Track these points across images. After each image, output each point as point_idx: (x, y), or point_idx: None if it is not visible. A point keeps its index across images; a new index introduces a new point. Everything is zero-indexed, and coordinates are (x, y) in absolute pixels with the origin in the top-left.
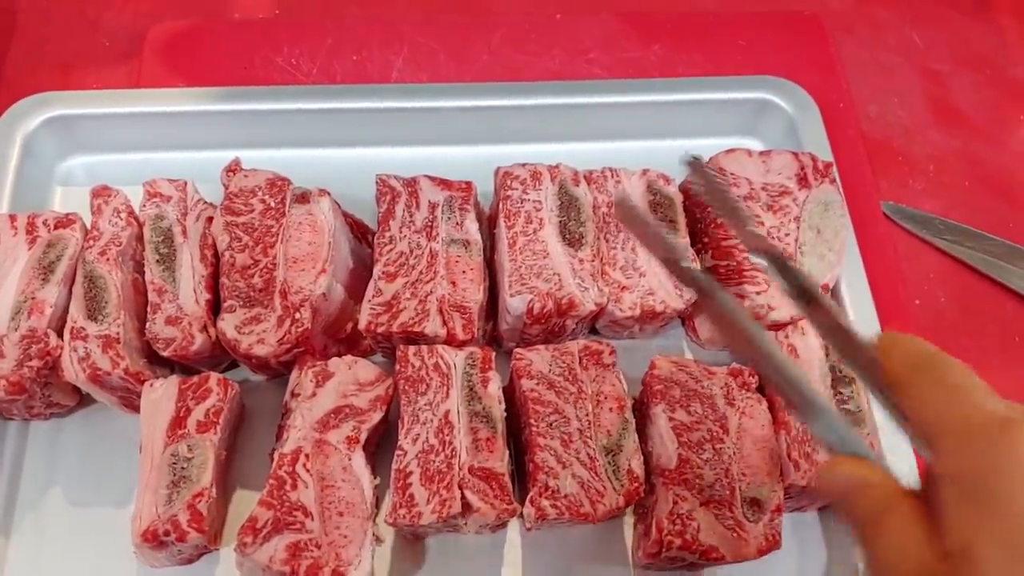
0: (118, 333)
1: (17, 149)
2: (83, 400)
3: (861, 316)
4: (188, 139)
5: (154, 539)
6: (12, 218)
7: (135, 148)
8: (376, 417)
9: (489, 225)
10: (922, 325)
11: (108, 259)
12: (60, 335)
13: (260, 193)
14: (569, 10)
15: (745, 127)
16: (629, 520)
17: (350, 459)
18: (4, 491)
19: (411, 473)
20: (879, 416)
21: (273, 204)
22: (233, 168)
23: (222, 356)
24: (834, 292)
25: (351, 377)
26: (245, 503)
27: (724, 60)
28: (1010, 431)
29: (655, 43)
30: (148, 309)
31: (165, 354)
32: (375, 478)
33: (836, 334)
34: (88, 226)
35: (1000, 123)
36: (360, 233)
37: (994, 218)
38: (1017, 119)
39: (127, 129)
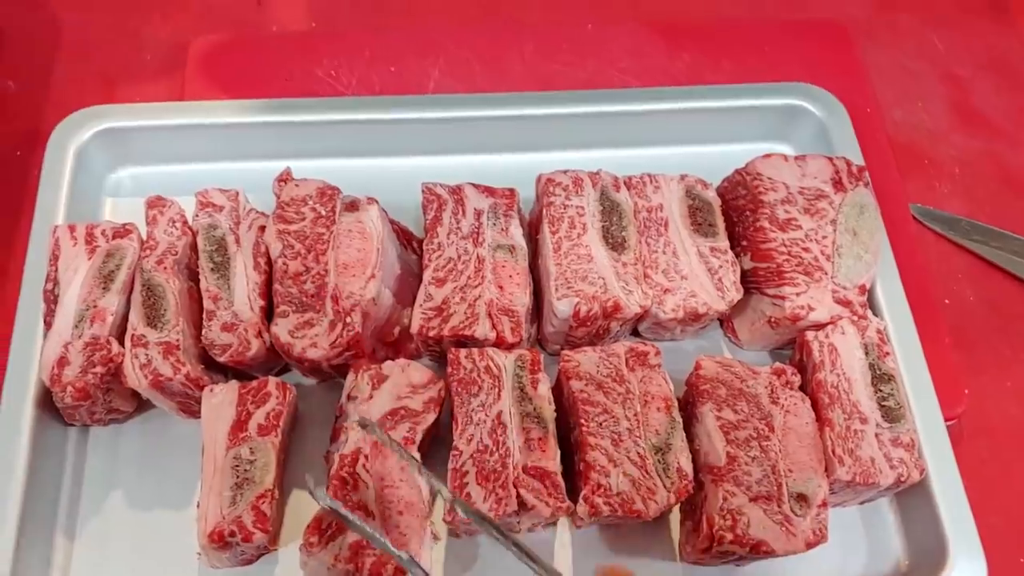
0: (178, 340)
1: (70, 161)
2: (141, 406)
3: (896, 315)
4: (234, 150)
5: (220, 540)
6: (71, 228)
7: (181, 159)
8: (430, 418)
9: (532, 231)
10: (952, 324)
11: (165, 268)
12: (120, 342)
13: (311, 202)
14: (599, 20)
15: (777, 132)
16: (674, 518)
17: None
18: (67, 495)
19: (467, 472)
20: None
21: (324, 212)
22: (284, 178)
23: (275, 361)
24: (870, 293)
25: (405, 380)
26: (300, 504)
27: (751, 67)
28: None
29: (683, 52)
30: (204, 316)
31: (222, 360)
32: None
33: None
34: (143, 235)
35: (1023, 125)
36: (405, 240)
37: (1020, 218)
38: None
39: (175, 141)
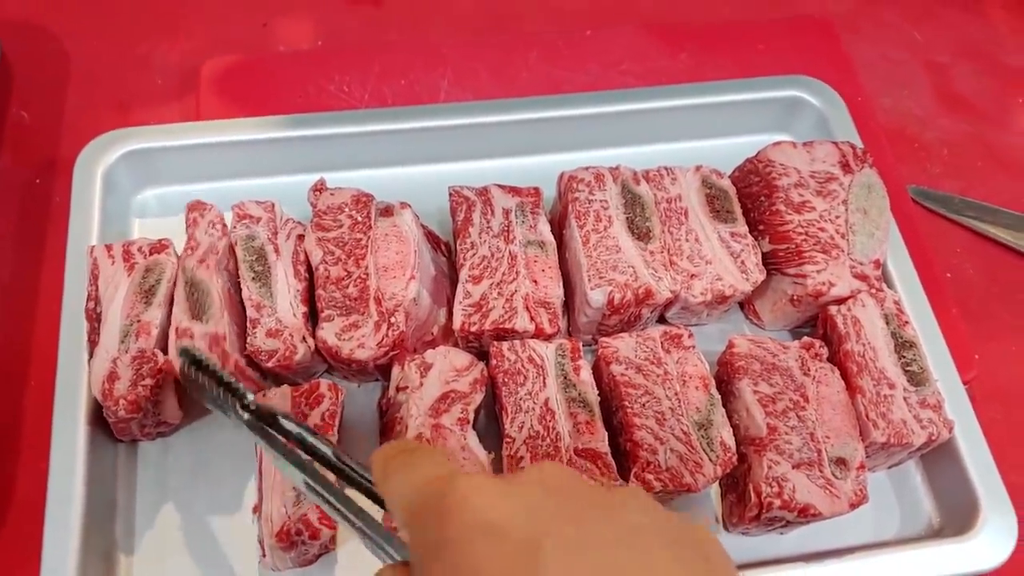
0: (224, 331)
1: (99, 184)
2: (186, 418)
3: (908, 290)
4: (256, 166)
5: (287, 539)
6: (108, 248)
7: (205, 178)
8: (478, 398)
9: (558, 227)
10: (957, 297)
11: (208, 266)
12: (165, 353)
13: (347, 209)
14: (598, 25)
15: (779, 124)
16: (710, 493)
17: (466, 438)
18: (122, 512)
19: (522, 458)
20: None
21: (360, 219)
22: (319, 188)
23: (318, 365)
24: (883, 269)
25: (448, 364)
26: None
27: (746, 63)
28: (450, 487)
29: (681, 51)
30: (248, 324)
31: (268, 365)
32: (489, 453)
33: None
34: (178, 251)
35: (1003, 107)
36: (434, 243)
37: (1008, 193)
38: (1016, 102)
39: (199, 159)
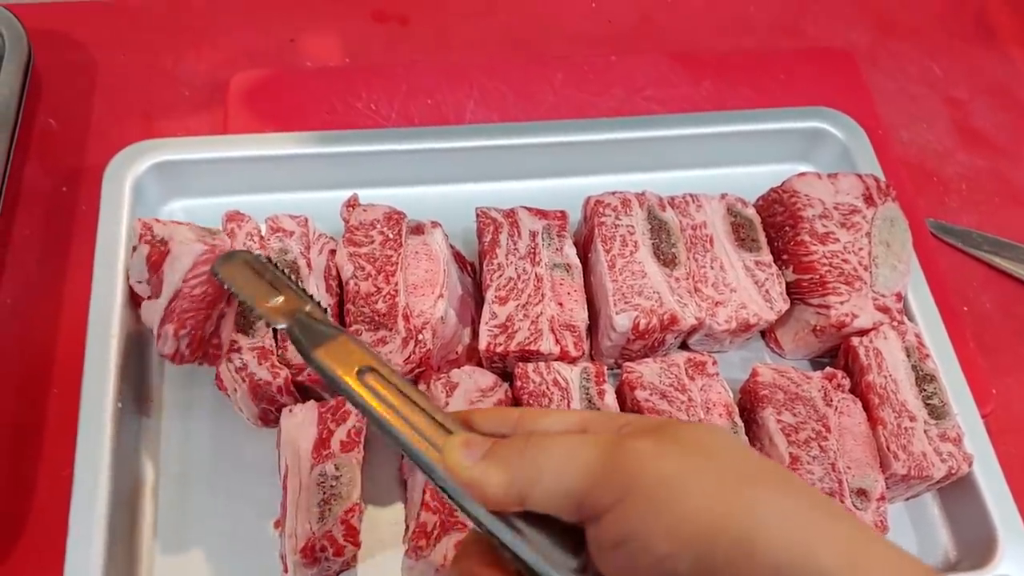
0: (271, 345)
1: (128, 194)
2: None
3: (928, 323)
4: (283, 181)
5: (311, 555)
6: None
7: (232, 191)
8: None
9: (583, 251)
10: (974, 330)
11: None
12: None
13: (379, 226)
14: (622, 52)
15: (801, 154)
16: None
17: None
18: (146, 521)
19: None
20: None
21: (391, 236)
22: (352, 203)
23: None
24: (903, 302)
25: (473, 384)
26: (373, 519)
27: (768, 93)
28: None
29: (704, 80)
30: (278, 337)
31: (300, 379)
32: None
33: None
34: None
35: (1020, 143)
36: (460, 263)
37: None
38: None
39: (229, 173)
